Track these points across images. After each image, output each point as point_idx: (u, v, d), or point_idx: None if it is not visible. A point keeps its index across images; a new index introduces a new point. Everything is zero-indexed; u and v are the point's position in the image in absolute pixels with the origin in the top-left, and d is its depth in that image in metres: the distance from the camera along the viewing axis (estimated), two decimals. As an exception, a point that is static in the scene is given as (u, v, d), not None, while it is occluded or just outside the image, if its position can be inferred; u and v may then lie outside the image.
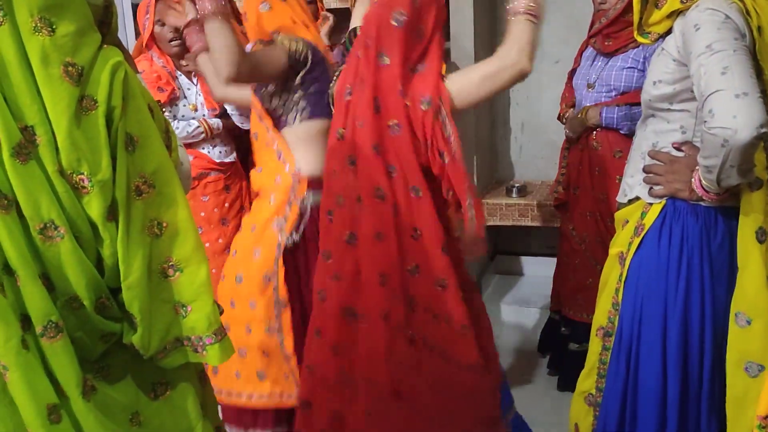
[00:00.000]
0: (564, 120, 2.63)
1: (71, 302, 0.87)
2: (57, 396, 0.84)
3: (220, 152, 2.56)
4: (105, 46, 0.90)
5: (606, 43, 2.41)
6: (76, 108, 0.84)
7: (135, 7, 3.01)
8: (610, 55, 2.42)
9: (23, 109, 0.82)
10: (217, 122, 2.52)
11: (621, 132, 2.38)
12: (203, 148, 2.53)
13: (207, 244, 2.48)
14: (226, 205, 2.59)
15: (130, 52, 2.61)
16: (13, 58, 0.81)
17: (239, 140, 2.62)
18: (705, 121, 1.27)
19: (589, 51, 2.53)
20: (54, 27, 0.83)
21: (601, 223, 2.43)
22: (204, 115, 2.53)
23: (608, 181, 2.40)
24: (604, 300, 1.58)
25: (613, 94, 2.41)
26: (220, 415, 1.43)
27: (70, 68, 0.84)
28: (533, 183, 3.50)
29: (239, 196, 2.64)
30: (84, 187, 0.86)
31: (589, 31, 2.52)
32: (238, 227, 2.54)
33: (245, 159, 2.63)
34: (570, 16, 3.26)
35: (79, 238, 0.86)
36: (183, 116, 2.50)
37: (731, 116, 1.22)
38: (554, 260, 2.73)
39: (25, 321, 0.84)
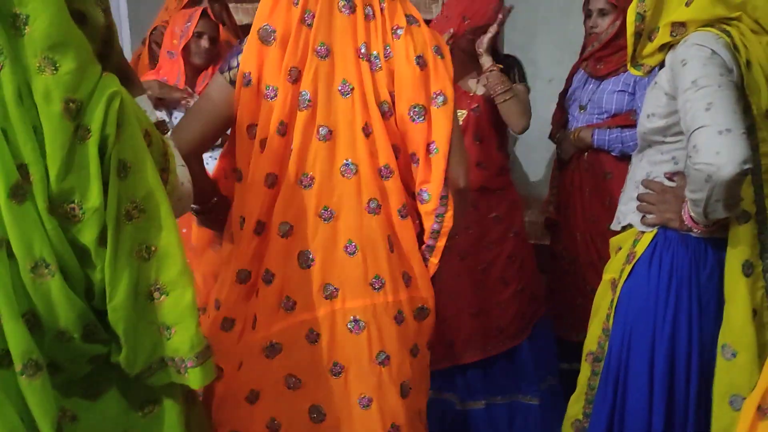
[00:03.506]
0: (555, 140, 2.66)
1: (60, 336, 0.88)
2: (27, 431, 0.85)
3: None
4: (104, 74, 0.92)
5: (597, 67, 2.44)
6: (72, 140, 0.86)
7: (131, 18, 3.03)
8: (601, 78, 2.44)
9: (20, 148, 0.84)
10: None
11: (612, 154, 2.41)
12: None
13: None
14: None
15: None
16: (11, 99, 0.83)
17: None
18: (689, 156, 1.29)
19: (581, 73, 2.56)
20: (57, 65, 0.85)
21: (592, 245, 2.45)
22: None
23: (598, 203, 2.42)
24: (595, 325, 1.60)
25: (605, 116, 2.44)
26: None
27: (70, 104, 0.86)
28: (526, 199, 3.52)
29: None
30: (75, 216, 0.87)
31: (581, 54, 2.56)
32: None
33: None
34: (563, 37, 3.29)
35: (66, 272, 0.87)
36: None
37: (714, 152, 1.24)
38: (544, 277, 2.75)
39: (5, 356, 0.84)
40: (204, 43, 2.49)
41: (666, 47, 1.47)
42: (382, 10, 1.32)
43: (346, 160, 1.30)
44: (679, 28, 1.43)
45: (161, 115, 2.48)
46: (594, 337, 1.59)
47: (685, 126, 1.33)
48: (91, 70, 0.89)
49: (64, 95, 0.85)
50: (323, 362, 1.31)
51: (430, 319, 1.38)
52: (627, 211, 1.57)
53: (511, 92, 2.22)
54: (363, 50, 1.30)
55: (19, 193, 0.83)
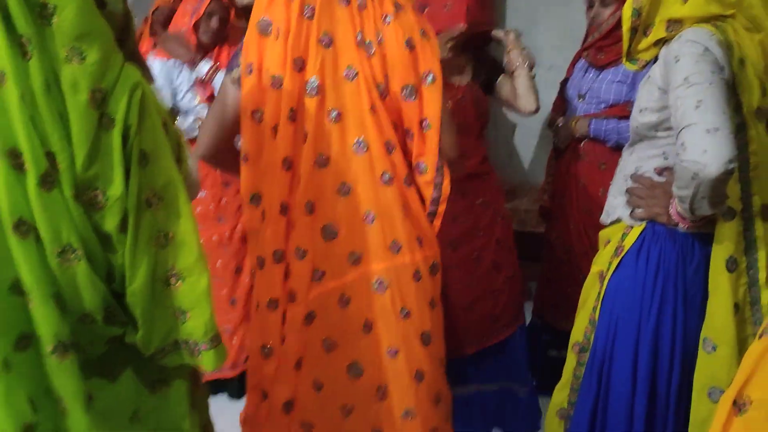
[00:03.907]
0: (553, 128, 2.67)
1: (84, 318, 0.92)
2: (33, 416, 0.88)
3: None
4: (125, 64, 0.94)
5: (598, 57, 2.44)
6: (97, 129, 0.89)
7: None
8: (601, 68, 2.45)
9: (47, 138, 0.86)
10: None
11: (607, 144, 2.42)
12: None
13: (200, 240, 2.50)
14: (224, 201, 2.60)
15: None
16: (40, 89, 0.85)
17: None
18: (678, 154, 1.31)
19: (582, 62, 2.56)
20: (84, 55, 0.87)
21: (585, 234, 2.47)
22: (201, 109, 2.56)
23: (592, 193, 2.44)
24: (582, 317, 1.63)
25: (603, 106, 2.45)
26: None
27: (96, 94, 0.88)
28: (523, 186, 3.54)
29: (239, 194, 2.64)
30: (98, 203, 0.91)
31: (583, 43, 2.56)
32: (235, 226, 2.58)
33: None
34: (564, 24, 3.29)
35: (90, 256, 0.90)
36: (186, 111, 2.54)
37: (701, 151, 1.25)
38: (540, 264, 2.78)
39: (24, 340, 0.87)
40: (213, 23, 2.52)
41: (661, 42, 1.47)
42: (373, 0, 1.41)
43: (357, 138, 1.42)
44: (675, 24, 1.43)
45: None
46: (581, 329, 1.62)
47: (675, 123, 1.34)
48: (114, 59, 0.92)
49: (90, 85, 0.88)
50: (355, 323, 1.46)
51: (439, 273, 1.54)
52: (616, 204, 1.59)
53: (530, 69, 2.24)
54: (359, 38, 1.40)
55: (48, 180, 0.86)
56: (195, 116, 2.55)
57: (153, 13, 2.69)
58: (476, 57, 2.31)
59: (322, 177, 1.42)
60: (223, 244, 2.58)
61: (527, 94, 2.23)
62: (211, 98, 2.56)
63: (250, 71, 1.40)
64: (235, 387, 2.66)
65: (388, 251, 1.45)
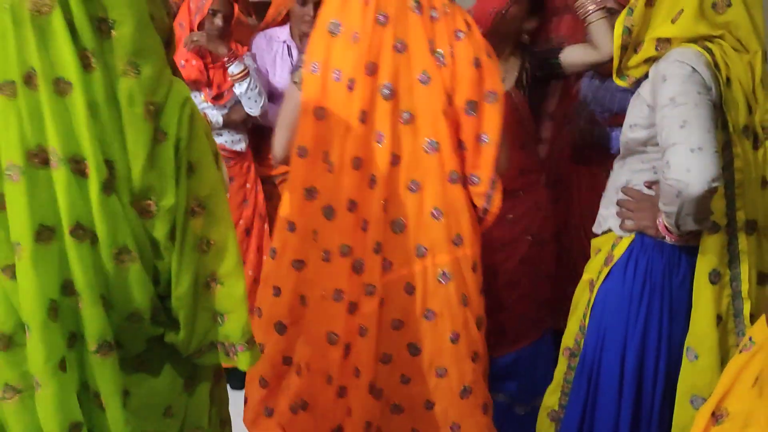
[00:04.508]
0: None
1: (131, 317, 0.97)
2: (81, 415, 0.93)
3: (226, 141, 2.63)
4: (174, 80, 0.99)
5: (604, 65, 2.47)
6: (152, 141, 0.94)
7: None
8: (607, 76, 2.48)
9: (107, 147, 0.91)
10: (217, 116, 2.60)
11: (611, 152, 2.46)
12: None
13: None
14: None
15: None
16: (102, 100, 0.90)
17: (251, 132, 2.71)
18: (663, 172, 1.35)
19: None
20: (140, 69, 0.92)
21: (584, 238, 2.50)
22: (208, 108, 2.62)
23: (594, 198, 2.46)
24: (573, 323, 1.69)
25: (606, 114, 2.48)
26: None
27: (150, 107, 0.93)
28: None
29: (243, 189, 2.67)
30: (149, 212, 0.95)
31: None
32: (237, 221, 2.64)
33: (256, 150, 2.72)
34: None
35: (141, 259, 0.96)
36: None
37: (685, 170, 1.30)
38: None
39: (72, 338, 0.92)
40: (218, 21, 2.53)
41: (650, 60, 1.51)
42: (446, 13, 1.50)
43: (429, 139, 1.51)
44: (664, 43, 1.47)
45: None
46: (571, 334, 1.67)
47: (661, 141, 1.39)
48: (165, 73, 0.97)
49: (144, 98, 0.92)
50: (419, 309, 1.59)
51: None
52: (607, 215, 1.64)
53: (605, 11, 2.04)
54: (431, 46, 1.49)
55: (108, 186, 0.91)
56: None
57: None
58: (523, 59, 2.19)
59: (394, 175, 1.53)
60: None
61: (606, 39, 2.01)
62: (216, 97, 2.61)
63: (315, 70, 1.49)
64: (238, 378, 2.69)
65: (451, 244, 1.56)
